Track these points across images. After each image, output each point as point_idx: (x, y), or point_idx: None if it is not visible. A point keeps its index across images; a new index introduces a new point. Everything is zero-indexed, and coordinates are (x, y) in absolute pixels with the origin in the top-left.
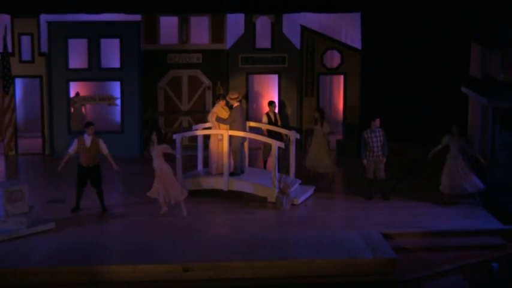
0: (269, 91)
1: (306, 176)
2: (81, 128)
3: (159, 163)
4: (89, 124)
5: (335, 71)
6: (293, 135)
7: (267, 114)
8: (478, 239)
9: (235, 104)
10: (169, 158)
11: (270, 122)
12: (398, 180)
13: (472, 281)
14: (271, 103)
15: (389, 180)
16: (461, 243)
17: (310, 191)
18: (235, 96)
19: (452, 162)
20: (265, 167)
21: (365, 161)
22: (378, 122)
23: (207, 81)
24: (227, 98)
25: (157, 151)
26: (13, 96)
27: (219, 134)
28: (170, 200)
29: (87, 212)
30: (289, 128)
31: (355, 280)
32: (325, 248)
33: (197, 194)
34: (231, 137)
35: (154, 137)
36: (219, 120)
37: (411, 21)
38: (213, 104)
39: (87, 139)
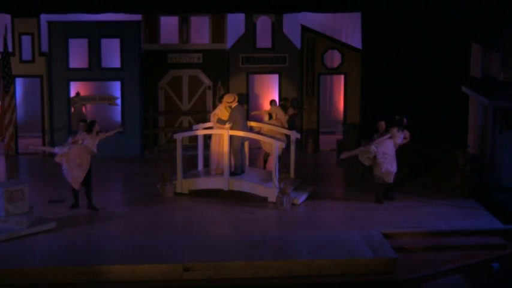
0: (270, 91)
1: (307, 176)
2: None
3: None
4: (81, 121)
5: (335, 71)
6: (293, 135)
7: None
8: (478, 238)
9: (234, 105)
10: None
11: (270, 116)
12: (401, 181)
13: (472, 281)
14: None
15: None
16: (461, 243)
17: (311, 190)
18: (231, 99)
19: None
20: (264, 167)
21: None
22: (383, 124)
23: (207, 81)
24: (224, 103)
25: (98, 139)
26: (13, 96)
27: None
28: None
29: (87, 212)
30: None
31: (355, 280)
32: (325, 248)
33: (197, 194)
34: (231, 137)
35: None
36: (220, 122)
37: (412, 21)
38: (214, 104)
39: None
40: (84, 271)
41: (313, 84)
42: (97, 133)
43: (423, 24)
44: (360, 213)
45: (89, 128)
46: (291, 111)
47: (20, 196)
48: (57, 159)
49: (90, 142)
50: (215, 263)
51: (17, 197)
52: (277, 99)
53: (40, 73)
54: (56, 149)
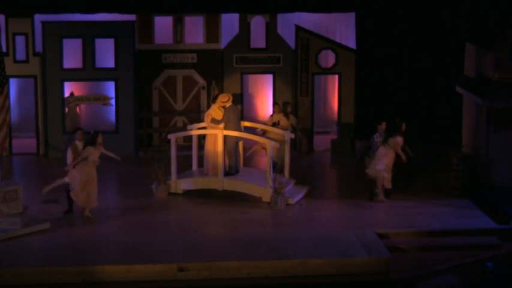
0: (264, 91)
1: (301, 176)
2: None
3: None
4: (77, 129)
5: (330, 71)
6: (287, 136)
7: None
8: (473, 238)
9: (228, 105)
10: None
11: (274, 123)
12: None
13: (467, 281)
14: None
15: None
16: (455, 242)
17: (305, 190)
18: (226, 99)
19: None
20: (274, 168)
21: None
22: (384, 125)
23: (201, 81)
24: (218, 103)
25: (100, 151)
26: (7, 96)
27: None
28: (87, 205)
29: (81, 213)
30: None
31: (350, 280)
32: (320, 248)
33: (192, 194)
34: (226, 137)
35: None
36: (214, 121)
37: (406, 21)
38: (208, 104)
39: (79, 145)
40: (79, 271)
41: (308, 84)
42: (99, 144)
43: (417, 24)
44: (354, 213)
45: (93, 141)
46: (292, 119)
47: (14, 196)
48: (67, 179)
49: (96, 155)
50: (210, 263)
51: (11, 197)
52: (271, 100)
53: (34, 73)
54: (66, 178)
